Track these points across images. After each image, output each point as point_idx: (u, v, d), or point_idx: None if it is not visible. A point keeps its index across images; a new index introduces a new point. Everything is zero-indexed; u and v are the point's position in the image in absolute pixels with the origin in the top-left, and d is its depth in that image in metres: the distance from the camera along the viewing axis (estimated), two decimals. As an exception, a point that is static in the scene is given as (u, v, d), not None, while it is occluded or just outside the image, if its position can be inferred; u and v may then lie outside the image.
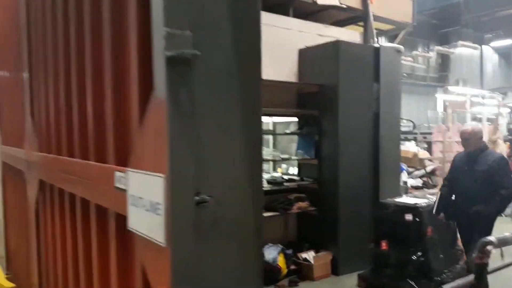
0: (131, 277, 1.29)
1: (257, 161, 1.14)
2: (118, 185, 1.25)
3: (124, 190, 1.20)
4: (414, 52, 19.84)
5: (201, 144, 1.03)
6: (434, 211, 4.53)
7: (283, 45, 5.81)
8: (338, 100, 5.49)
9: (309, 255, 5.46)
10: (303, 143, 6.05)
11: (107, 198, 1.35)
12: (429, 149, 12.87)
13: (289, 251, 5.46)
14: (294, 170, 7.02)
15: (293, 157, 6.34)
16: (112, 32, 1.31)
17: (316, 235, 5.76)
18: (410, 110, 20.68)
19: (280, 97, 5.85)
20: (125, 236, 1.31)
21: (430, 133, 14.26)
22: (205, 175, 1.03)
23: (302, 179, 6.02)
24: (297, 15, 6.17)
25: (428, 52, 21.64)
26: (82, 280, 1.69)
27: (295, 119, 6.40)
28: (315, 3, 6.13)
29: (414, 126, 11.36)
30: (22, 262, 3.40)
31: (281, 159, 6.58)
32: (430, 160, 10.96)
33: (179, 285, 0.99)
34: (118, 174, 1.25)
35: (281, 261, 5.25)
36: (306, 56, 5.98)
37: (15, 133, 3.27)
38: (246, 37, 1.12)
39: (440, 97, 21.99)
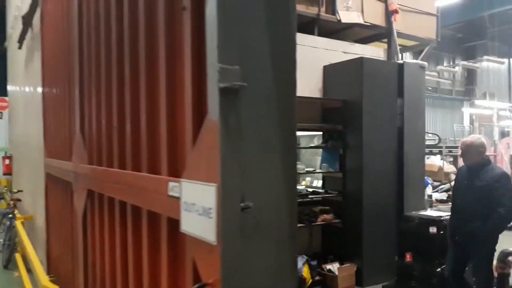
0: (180, 272, 1.49)
1: (292, 174, 1.33)
2: (171, 193, 1.46)
3: (177, 198, 1.41)
4: (439, 67, 19.71)
5: (245, 159, 1.22)
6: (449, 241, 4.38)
7: (308, 63, 6.01)
8: (362, 115, 5.62)
9: (334, 266, 5.56)
10: (327, 156, 6.20)
11: (160, 205, 1.56)
12: (455, 163, 12.75)
13: (314, 262, 5.58)
14: (318, 183, 7.14)
15: (318, 170, 6.48)
16: (167, 62, 1.54)
17: (341, 247, 5.85)
18: (436, 124, 20.48)
19: (305, 112, 6.03)
20: (176, 237, 1.51)
21: (456, 147, 14.12)
22: (249, 185, 1.23)
23: (326, 192, 6.15)
24: (322, 34, 6.38)
25: (454, 67, 21.45)
26: (131, 277, 1.91)
27: (319, 133, 6.56)
28: (340, 21, 6.33)
29: (439, 140, 11.31)
30: (65, 265, 3.66)
31: (306, 172, 6.73)
32: (455, 174, 10.87)
33: (227, 277, 1.18)
34: (171, 184, 1.46)
35: (305, 272, 5.37)
36: (331, 72, 6.16)
37: (61, 147, 3.56)
38: (283, 68, 1.32)
39: (467, 110, 21.72)
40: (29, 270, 6.02)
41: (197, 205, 1.28)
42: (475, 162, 4.09)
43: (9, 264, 7.16)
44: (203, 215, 1.24)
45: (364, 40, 7.20)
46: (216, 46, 1.17)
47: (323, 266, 5.64)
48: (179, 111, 1.49)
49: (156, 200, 1.58)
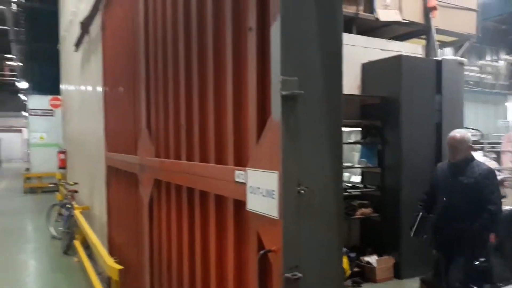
0: (244, 243, 1.81)
1: (339, 165, 1.62)
2: (237, 180, 1.78)
3: (243, 183, 1.73)
4: (481, 62, 19.13)
5: (301, 151, 1.52)
6: (412, 233, 4.27)
7: (346, 60, 6.19)
8: (400, 111, 5.78)
9: (372, 258, 5.77)
10: (366, 152, 6.39)
11: (227, 189, 1.89)
12: (497, 159, 12.49)
13: (353, 254, 5.79)
14: (355, 178, 7.33)
15: (356, 165, 6.68)
16: (233, 71, 1.86)
17: (379, 240, 6.04)
18: (478, 119, 19.95)
19: (344, 108, 6.24)
20: (240, 215, 1.84)
21: (499, 143, 13.78)
22: (304, 173, 1.53)
23: (365, 187, 6.34)
24: (360, 32, 6.55)
25: (497, 60, 20.76)
26: (198, 251, 2.26)
27: (357, 128, 6.75)
28: (378, 19, 6.48)
29: (482, 136, 11.13)
30: (127, 248, 4.10)
31: (345, 167, 6.93)
32: (498, 170, 10.68)
33: (287, 245, 1.48)
34: (237, 172, 1.78)
35: (345, 263, 5.60)
36: (369, 70, 6.33)
37: (125, 142, 3.99)
38: (331, 77, 1.61)
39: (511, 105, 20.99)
40: (88, 256, 6.61)
41: (261, 188, 1.59)
42: (461, 158, 3.85)
43: (69, 250, 7.82)
44: (267, 196, 1.56)
45: (402, 37, 7.30)
46: (280, 61, 1.48)
47: (362, 258, 5.85)
48: (243, 113, 1.81)
49: (224, 185, 1.91)
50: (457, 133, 3.97)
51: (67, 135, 12.19)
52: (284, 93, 1.46)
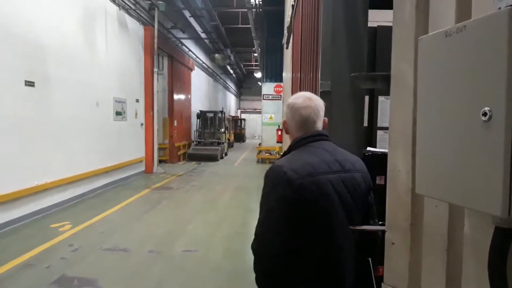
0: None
1: (360, 128, 2.77)
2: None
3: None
4: None
5: (332, 121, 2.77)
6: None
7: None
8: None
9: None
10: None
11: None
12: None
13: None
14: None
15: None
16: (313, 76, 3.19)
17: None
18: None
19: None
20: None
21: None
22: (331, 132, 2.77)
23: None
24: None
25: None
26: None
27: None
28: None
29: None
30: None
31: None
32: None
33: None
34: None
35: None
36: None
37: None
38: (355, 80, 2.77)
39: None
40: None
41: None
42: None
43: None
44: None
45: None
46: (320, 72, 2.77)
47: None
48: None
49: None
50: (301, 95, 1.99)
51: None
52: (320, 90, 2.75)
